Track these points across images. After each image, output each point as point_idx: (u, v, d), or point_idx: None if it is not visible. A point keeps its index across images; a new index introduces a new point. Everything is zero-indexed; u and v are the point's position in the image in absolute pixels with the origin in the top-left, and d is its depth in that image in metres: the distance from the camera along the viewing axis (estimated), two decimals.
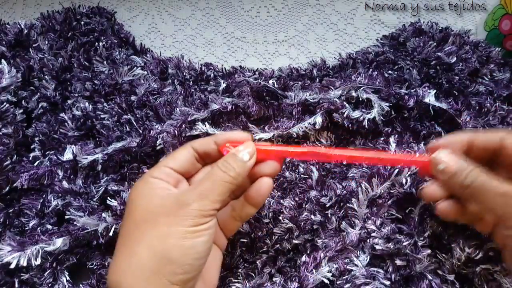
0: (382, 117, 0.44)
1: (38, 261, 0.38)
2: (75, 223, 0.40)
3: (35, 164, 0.43)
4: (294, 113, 0.44)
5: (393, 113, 0.45)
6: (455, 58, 0.46)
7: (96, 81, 0.47)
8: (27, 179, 0.42)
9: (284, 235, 0.41)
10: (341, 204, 0.41)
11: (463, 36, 0.49)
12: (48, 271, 0.39)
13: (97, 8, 0.53)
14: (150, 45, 0.54)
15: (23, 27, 0.49)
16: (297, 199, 0.42)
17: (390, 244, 0.38)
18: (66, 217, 0.41)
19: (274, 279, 0.39)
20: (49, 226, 0.41)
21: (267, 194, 0.33)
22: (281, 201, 0.42)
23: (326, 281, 0.38)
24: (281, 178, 0.42)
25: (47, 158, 0.44)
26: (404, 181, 0.40)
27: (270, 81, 0.45)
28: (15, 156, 0.43)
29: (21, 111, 0.45)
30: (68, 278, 0.40)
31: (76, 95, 0.47)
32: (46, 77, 0.47)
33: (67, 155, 0.43)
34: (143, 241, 0.28)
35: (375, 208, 0.40)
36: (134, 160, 0.43)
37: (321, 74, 0.50)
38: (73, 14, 0.51)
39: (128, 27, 0.56)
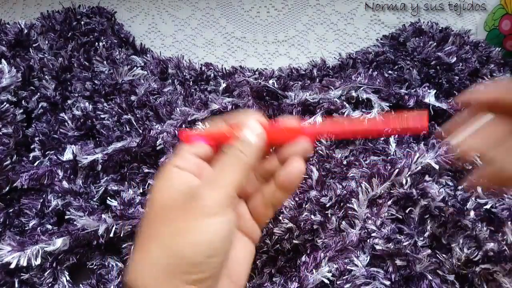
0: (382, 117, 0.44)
1: (38, 261, 0.38)
2: (75, 223, 0.40)
3: (35, 164, 0.43)
4: (294, 113, 0.44)
5: (393, 113, 0.45)
6: (455, 58, 0.46)
7: (96, 81, 0.47)
8: (27, 179, 0.42)
9: (284, 235, 0.41)
10: (341, 204, 0.41)
11: (463, 36, 0.49)
12: (48, 271, 0.39)
13: (97, 8, 0.53)
14: (150, 45, 0.54)
15: (23, 27, 0.49)
16: (297, 199, 0.42)
17: (390, 244, 0.38)
18: (66, 217, 0.41)
19: (274, 279, 0.39)
20: (49, 226, 0.41)
21: (300, 178, 0.30)
22: None
23: (326, 281, 0.38)
24: None
25: (47, 158, 0.43)
26: (404, 181, 0.40)
27: (270, 81, 0.45)
28: (15, 156, 0.43)
29: (21, 111, 0.45)
30: (68, 278, 0.40)
31: (76, 95, 0.47)
32: (46, 77, 0.47)
33: (67, 155, 0.43)
34: (156, 239, 0.27)
35: (375, 208, 0.40)
36: (134, 160, 0.43)
37: (321, 74, 0.50)
38: (73, 14, 0.51)
39: (128, 27, 0.56)
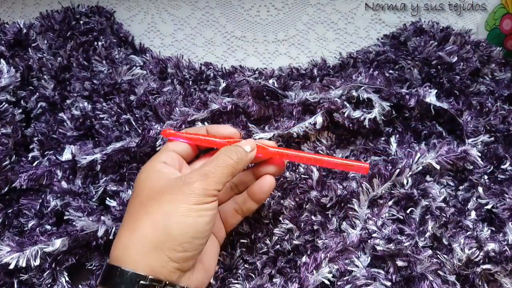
0: (383, 117, 0.44)
1: (37, 262, 0.38)
2: (74, 224, 0.39)
3: (34, 164, 0.43)
4: (294, 113, 0.44)
5: (394, 113, 0.45)
6: (456, 58, 0.46)
7: (95, 81, 0.46)
8: (26, 179, 0.42)
9: (284, 235, 0.40)
10: (342, 204, 0.41)
11: (464, 36, 0.49)
12: (47, 271, 0.39)
13: (96, 8, 0.52)
14: (149, 45, 0.54)
15: (22, 26, 0.48)
16: (297, 199, 0.41)
17: (391, 244, 0.38)
18: (65, 217, 0.41)
19: (274, 280, 0.39)
20: (48, 227, 0.41)
21: (269, 192, 0.36)
22: (282, 201, 0.42)
23: (327, 282, 0.38)
24: (281, 178, 0.42)
25: (46, 158, 0.43)
26: (405, 182, 0.40)
27: (270, 81, 0.45)
28: (14, 156, 0.43)
29: (20, 111, 0.45)
30: (67, 278, 0.40)
31: (75, 94, 0.46)
32: (45, 76, 0.47)
33: (66, 155, 0.43)
34: (148, 217, 0.29)
35: (376, 209, 0.40)
36: (133, 160, 0.43)
37: (321, 74, 0.50)
38: (72, 14, 0.50)
39: (127, 26, 0.55)
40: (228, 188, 0.38)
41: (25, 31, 0.48)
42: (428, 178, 0.41)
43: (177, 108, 0.43)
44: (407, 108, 0.45)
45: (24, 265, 0.37)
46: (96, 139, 0.44)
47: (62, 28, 0.49)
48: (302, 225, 0.40)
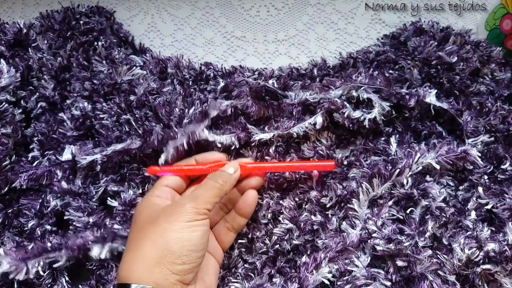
0: (383, 117, 0.44)
1: (40, 271, 0.38)
2: (74, 223, 0.39)
3: (34, 164, 0.43)
4: (294, 113, 0.44)
5: (394, 113, 0.45)
6: (456, 58, 0.46)
7: (95, 81, 0.46)
8: (26, 179, 0.42)
9: (284, 235, 0.40)
10: (342, 204, 0.41)
11: (464, 36, 0.48)
12: (47, 272, 0.39)
13: (96, 8, 0.52)
14: (149, 45, 0.54)
15: (22, 26, 0.48)
16: (297, 199, 0.41)
17: (391, 244, 0.38)
18: (65, 217, 0.41)
19: (274, 279, 0.39)
20: (48, 227, 0.41)
21: (253, 204, 0.40)
22: (281, 201, 0.42)
23: (327, 282, 0.38)
24: (280, 178, 0.42)
25: (46, 158, 0.43)
26: (405, 182, 0.40)
27: (270, 81, 0.45)
28: (14, 156, 0.43)
29: (20, 111, 0.45)
30: (67, 279, 0.40)
31: (75, 94, 0.46)
32: (45, 76, 0.47)
33: (66, 155, 0.43)
34: (147, 237, 0.33)
35: (376, 209, 0.40)
36: (133, 161, 0.43)
37: (321, 74, 0.50)
38: (72, 14, 0.50)
39: (127, 26, 0.55)
40: (217, 208, 0.41)
41: (25, 31, 0.48)
42: (428, 178, 0.41)
43: (176, 109, 0.43)
44: (407, 108, 0.45)
45: (23, 278, 0.38)
46: (96, 139, 0.44)
47: (62, 28, 0.49)
48: (302, 225, 0.40)
